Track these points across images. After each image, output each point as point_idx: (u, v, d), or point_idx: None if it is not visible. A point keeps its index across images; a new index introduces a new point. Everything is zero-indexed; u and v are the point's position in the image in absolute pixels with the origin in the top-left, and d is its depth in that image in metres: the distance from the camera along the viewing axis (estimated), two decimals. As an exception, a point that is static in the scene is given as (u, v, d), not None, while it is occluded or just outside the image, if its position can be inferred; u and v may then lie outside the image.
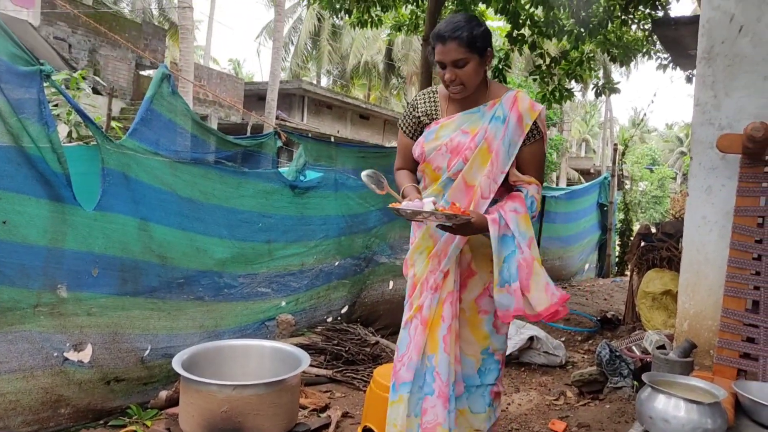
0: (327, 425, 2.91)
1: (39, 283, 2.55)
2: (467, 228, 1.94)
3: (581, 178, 26.85)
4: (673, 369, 2.79)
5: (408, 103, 2.30)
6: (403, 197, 2.10)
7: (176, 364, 2.18)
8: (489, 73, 6.92)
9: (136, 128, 2.89)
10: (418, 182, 2.25)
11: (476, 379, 2.18)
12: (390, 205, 1.95)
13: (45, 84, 2.53)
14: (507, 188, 2.13)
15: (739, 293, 2.56)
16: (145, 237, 2.98)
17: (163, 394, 2.99)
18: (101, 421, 2.83)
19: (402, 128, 2.28)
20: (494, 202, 2.10)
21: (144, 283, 3.00)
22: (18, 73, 2.42)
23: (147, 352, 3.01)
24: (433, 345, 2.06)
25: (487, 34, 2.02)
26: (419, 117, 2.21)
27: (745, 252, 2.55)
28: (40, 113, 2.50)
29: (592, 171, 27.51)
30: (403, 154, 2.28)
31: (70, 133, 6.30)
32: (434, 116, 2.19)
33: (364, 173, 2.10)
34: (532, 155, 2.09)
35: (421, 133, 2.20)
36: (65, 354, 2.64)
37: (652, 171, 22.87)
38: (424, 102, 2.21)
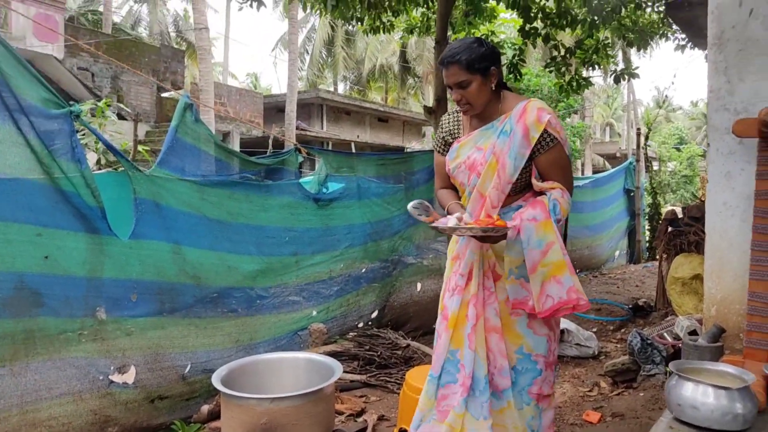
0: (364, 429, 3.00)
1: (82, 312, 2.69)
2: (494, 237, 2.05)
3: (606, 163, 26.41)
4: (703, 355, 2.79)
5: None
6: (450, 215, 2.21)
7: (216, 381, 2.29)
8: (504, 69, 6.88)
9: (163, 158, 3.03)
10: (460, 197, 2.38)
11: (512, 374, 2.26)
12: (431, 225, 2.10)
13: (75, 123, 2.68)
14: (534, 194, 2.21)
15: (765, 276, 2.55)
16: (178, 260, 3.12)
17: (205, 408, 3.11)
18: (149, 438, 2.97)
19: (436, 148, 2.43)
20: (518, 207, 2.19)
21: (180, 304, 3.13)
22: (50, 116, 2.56)
23: (187, 369, 3.14)
24: (457, 341, 2.20)
25: (488, 54, 2.11)
26: (444, 137, 2.37)
27: None
28: (72, 151, 2.64)
29: (618, 155, 27.03)
30: (440, 173, 2.41)
31: (99, 161, 6.54)
32: (457, 134, 2.32)
33: (410, 205, 2.19)
34: (550, 163, 2.15)
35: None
36: (110, 377, 2.78)
37: (679, 150, 22.41)
38: (449, 122, 2.36)
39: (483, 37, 6.90)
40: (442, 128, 2.39)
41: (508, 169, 2.12)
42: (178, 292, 3.12)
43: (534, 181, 2.18)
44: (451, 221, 2.01)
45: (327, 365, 2.34)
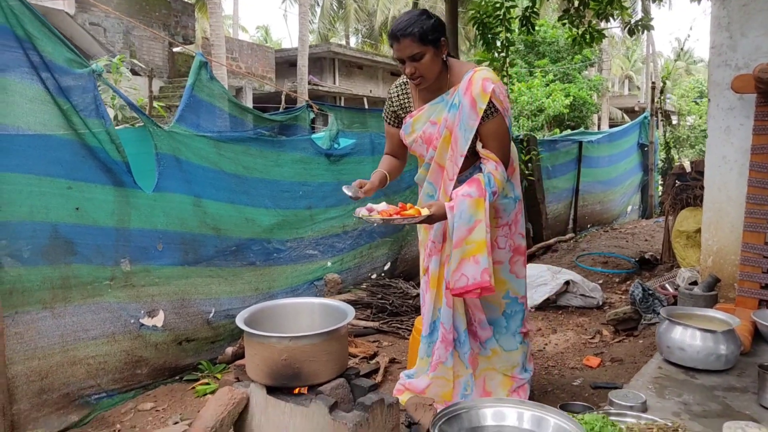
0: (376, 370, 3.22)
1: (112, 260, 2.88)
2: (432, 219, 2.16)
3: (625, 116, 26.00)
4: (698, 303, 2.94)
5: (387, 96, 2.48)
6: (372, 183, 2.35)
7: (239, 322, 2.48)
8: (515, 23, 6.76)
9: (181, 114, 3.16)
10: (400, 166, 2.50)
11: (503, 321, 2.46)
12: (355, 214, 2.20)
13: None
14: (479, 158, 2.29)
15: (758, 228, 2.66)
16: (199, 212, 3.29)
17: (229, 350, 3.34)
18: (177, 377, 3.20)
19: (385, 119, 2.50)
20: (476, 169, 2.29)
21: (203, 253, 3.32)
22: (74, 75, 2.69)
23: (212, 314, 3.36)
24: (439, 299, 2.39)
25: (437, 25, 2.14)
26: (396, 111, 2.42)
27: (763, 188, 2.64)
28: (96, 108, 2.78)
29: (636, 109, 26.50)
30: (388, 139, 2.52)
31: (116, 116, 6.68)
32: (408, 108, 2.37)
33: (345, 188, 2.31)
34: (490, 132, 2.20)
35: (401, 123, 2.40)
36: (141, 320, 3.00)
37: (697, 104, 21.98)
38: (398, 95, 2.40)
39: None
40: (392, 102, 2.42)
41: (459, 143, 2.20)
42: (200, 243, 3.30)
43: (479, 145, 2.25)
44: (362, 212, 2.12)
45: (341, 309, 2.51)
